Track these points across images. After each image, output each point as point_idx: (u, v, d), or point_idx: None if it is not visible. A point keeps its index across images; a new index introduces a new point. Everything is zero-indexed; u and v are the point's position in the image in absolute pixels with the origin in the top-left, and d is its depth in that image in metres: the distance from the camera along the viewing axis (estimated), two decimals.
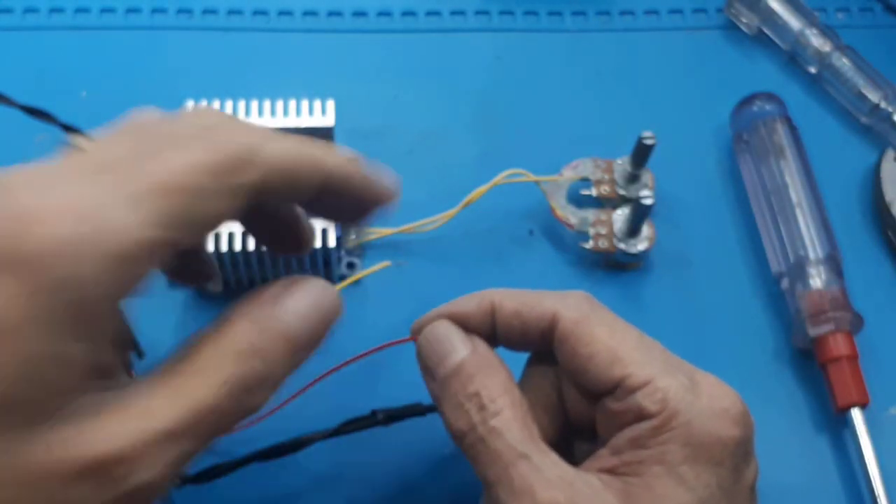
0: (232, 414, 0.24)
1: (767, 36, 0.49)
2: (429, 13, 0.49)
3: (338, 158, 0.27)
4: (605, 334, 0.29)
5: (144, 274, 0.22)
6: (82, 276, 0.20)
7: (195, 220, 0.22)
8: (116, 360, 0.23)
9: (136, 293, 0.22)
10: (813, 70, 0.48)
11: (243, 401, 0.24)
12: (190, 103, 0.40)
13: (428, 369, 0.31)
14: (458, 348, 0.30)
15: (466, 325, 0.31)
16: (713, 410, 0.28)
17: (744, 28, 0.49)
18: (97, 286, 0.20)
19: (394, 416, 0.35)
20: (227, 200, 0.23)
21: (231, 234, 0.37)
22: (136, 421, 0.22)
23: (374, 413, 0.35)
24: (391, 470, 0.37)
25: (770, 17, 0.49)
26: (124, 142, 0.24)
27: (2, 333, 0.19)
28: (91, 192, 0.21)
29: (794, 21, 0.48)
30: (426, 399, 0.35)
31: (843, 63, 0.47)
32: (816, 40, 0.48)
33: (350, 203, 0.28)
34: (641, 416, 0.28)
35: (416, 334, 0.32)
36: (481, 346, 0.30)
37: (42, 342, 0.20)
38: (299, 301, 0.26)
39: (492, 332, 0.31)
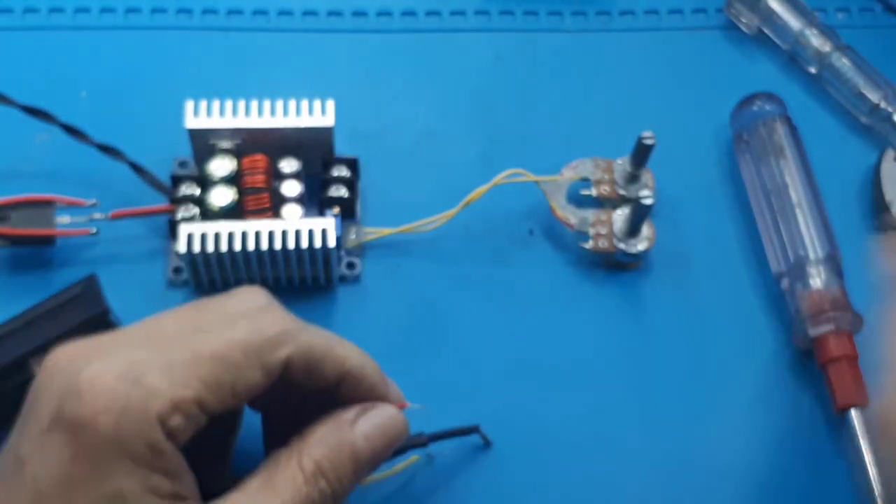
0: None
1: (767, 36, 0.49)
2: (429, 13, 0.49)
3: (357, 360, 0.30)
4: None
5: (180, 425, 0.25)
6: (122, 431, 0.25)
7: (225, 387, 0.26)
8: (184, 487, 0.26)
9: (178, 439, 0.26)
10: (813, 70, 0.48)
11: None
12: (189, 103, 0.40)
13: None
14: None
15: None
16: None
17: (744, 28, 0.49)
18: (137, 437, 0.25)
19: (396, 449, 0.34)
20: (258, 374, 0.27)
21: (231, 234, 0.37)
22: None
23: None
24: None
25: (770, 16, 0.49)
26: (183, 320, 0.28)
27: (54, 485, 0.25)
28: (136, 360, 0.26)
29: (793, 21, 0.48)
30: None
31: (843, 63, 0.47)
32: (816, 40, 0.48)
33: (362, 400, 0.30)
34: None
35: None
36: None
37: (98, 486, 0.25)
38: (370, 426, 0.29)
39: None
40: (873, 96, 0.46)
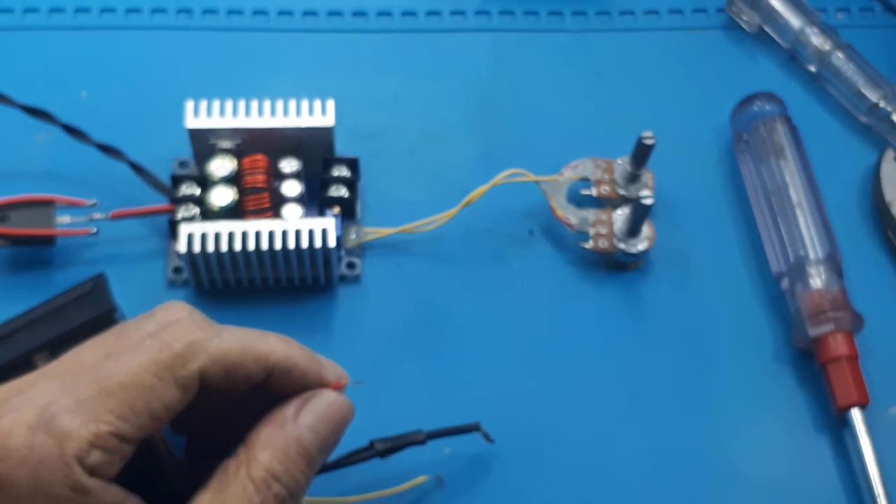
0: None
1: (767, 35, 0.49)
2: (429, 13, 0.49)
3: (282, 352, 0.29)
4: None
5: (101, 460, 0.25)
6: (41, 481, 0.24)
7: (140, 412, 0.26)
8: None
9: (106, 472, 0.25)
10: (813, 69, 0.48)
11: None
12: (189, 103, 0.40)
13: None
14: None
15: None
16: None
17: (745, 26, 0.49)
18: (58, 483, 0.25)
19: (393, 447, 0.34)
20: (173, 391, 0.27)
21: (231, 234, 0.37)
22: None
23: (372, 444, 0.34)
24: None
25: (771, 15, 0.49)
26: (99, 349, 0.28)
27: None
28: (46, 404, 0.25)
29: (794, 19, 0.48)
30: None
31: (843, 62, 0.47)
32: (817, 39, 0.48)
33: (297, 389, 0.29)
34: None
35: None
36: None
37: None
38: (313, 417, 0.28)
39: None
40: (873, 95, 0.46)
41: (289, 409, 0.28)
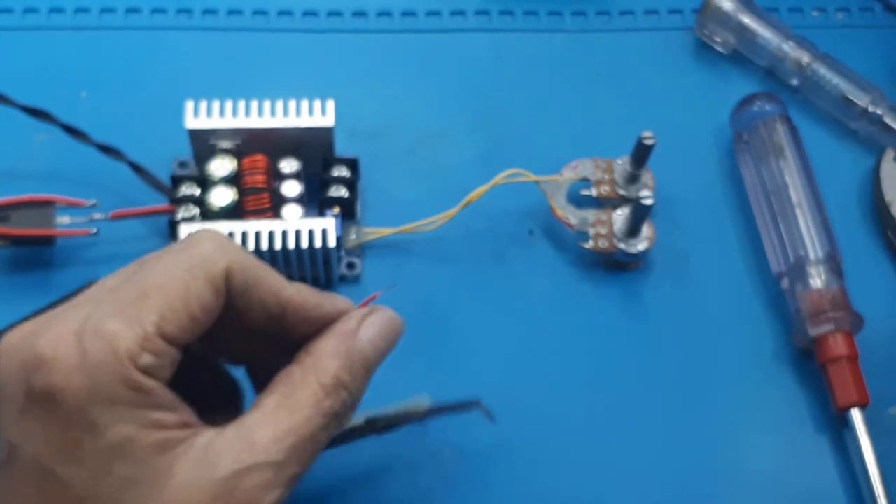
0: (327, 436, 0.28)
1: (749, 44, 0.49)
2: (429, 13, 0.49)
3: (291, 287, 0.30)
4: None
5: (152, 362, 0.25)
6: (100, 383, 0.24)
7: (180, 311, 0.26)
8: (187, 416, 0.26)
9: (158, 376, 0.26)
10: (794, 82, 0.48)
11: (334, 426, 0.28)
12: (189, 104, 0.40)
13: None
14: None
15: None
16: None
17: (718, 48, 0.49)
18: (117, 384, 0.25)
19: (390, 424, 0.34)
20: (207, 290, 0.27)
21: (231, 234, 0.37)
22: (251, 455, 0.26)
23: (369, 422, 0.34)
24: (387, 478, 0.37)
25: (744, 35, 0.48)
26: (127, 268, 0.28)
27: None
28: (88, 313, 0.25)
29: (770, 36, 0.48)
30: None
31: (826, 72, 0.47)
32: (794, 52, 0.47)
33: (310, 325, 0.30)
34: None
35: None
36: None
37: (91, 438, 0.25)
38: (374, 331, 0.30)
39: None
40: (861, 101, 0.46)
41: (350, 324, 0.30)
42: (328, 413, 0.28)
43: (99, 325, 0.25)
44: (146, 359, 0.25)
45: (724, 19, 0.48)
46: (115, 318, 0.25)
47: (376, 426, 0.34)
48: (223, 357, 0.33)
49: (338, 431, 0.29)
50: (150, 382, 0.25)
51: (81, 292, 0.33)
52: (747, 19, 0.48)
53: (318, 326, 0.30)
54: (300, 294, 0.30)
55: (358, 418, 0.34)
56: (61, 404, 0.24)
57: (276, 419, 0.27)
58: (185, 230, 0.37)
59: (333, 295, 0.31)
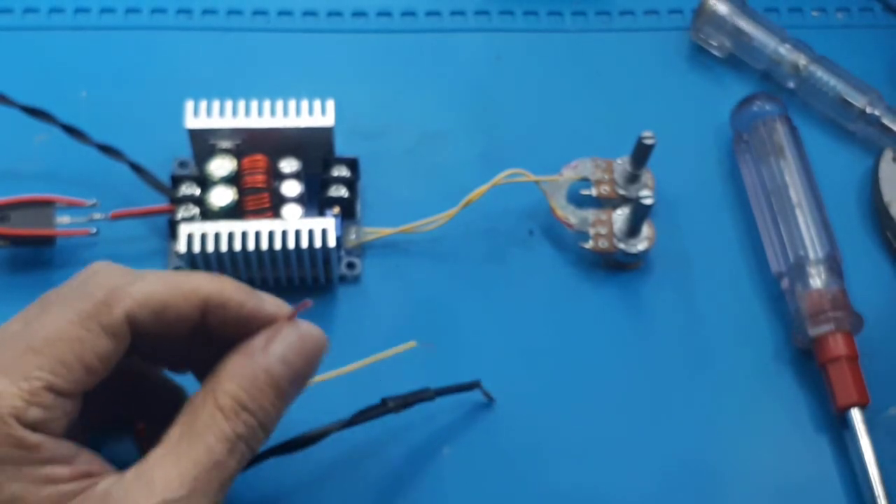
0: (235, 463, 0.27)
1: (745, 47, 0.49)
2: (429, 13, 0.49)
3: (212, 286, 0.28)
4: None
5: (42, 415, 0.25)
6: None
7: (72, 364, 0.26)
8: (85, 465, 0.26)
9: (52, 427, 0.25)
10: (791, 85, 0.48)
11: (242, 450, 0.27)
12: (189, 103, 0.40)
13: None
14: None
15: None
16: None
17: (714, 52, 0.49)
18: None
19: (404, 403, 0.35)
20: (104, 340, 0.26)
21: (231, 234, 0.37)
22: (150, 496, 0.25)
23: (384, 401, 0.35)
24: (402, 457, 0.37)
25: (739, 39, 0.48)
26: (19, 317, 0.27)
27: None
28: None
29: (766, 39, 0.48)
30: (433, 384, 0.35)
31: (823, 74, 0.47)
32: (791, 55, 0.47)
33: (238, 327, 0.29)
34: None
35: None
36: None
37: None
38: (284, 347, 0.28)
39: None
40: (859, 102, 0.46)
41: (258, 340, 0.28)
42: (230, 438, 0.26)
43: None
44: (34, 413, 0.25)
45: (720, 23, 0.48)
46: (1, 375, 0.25)
47: (390, 405, 0.34)
48: (162, 367, 0.32)
49: (250, 457, 0.27)
50: (35, 438, 0.25)
51: None
52: (743, 23, 0.48)
53: (246, 328, 0.29)
54: (220, 293, 0.28)
55: None
56: None
57: (178, 452, 0.26)
58: (184, 230, 0.37)
59: (262, 296, 0.29)
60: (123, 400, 0.31)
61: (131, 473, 0.26)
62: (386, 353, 0.35)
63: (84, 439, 0.27)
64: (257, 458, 0.33)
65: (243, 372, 0.27)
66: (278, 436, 0.32)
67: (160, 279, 0.28)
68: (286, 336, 0.28)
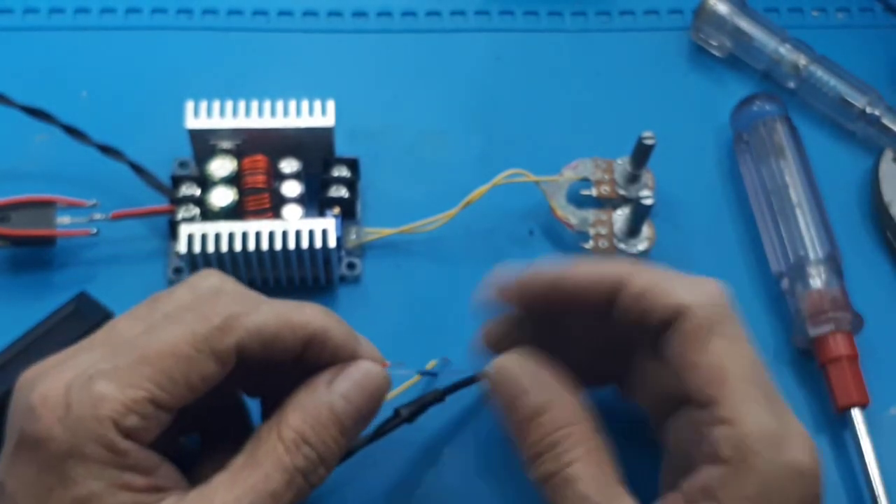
0: (292, 495, 0.27)
1: (744, 47, 0.49)
2: (429, 13, 0.49)
3: (320, 323, 0.29)
4: (721, 348, 0.29)
5: (138, 424, 0.26)
6: (78, 439, 0.25)
7: (178, 382, 0.27)
8: (160, 479, 0.27)
9: (142, 437, 0.26)
10: (791, 85, 0.48)
11: (300, 483, 0.27)
12: (189, 104, 0.40)
13: (503, 405, 0.31)
14: (533, 394, 0.30)
15: (577, 298, 0.31)
16: (790, 470, 0.27)
17: (714, 52, 0.49)
18: (93, 442, 0.25)
19: (417, 410, 0.35)
20: (211, 364, 0.27)
21: (231, 235, 0.37)
22: None
23: (397, 412, 0.35)
24: (402, 457, 0.37)
25: (740, 39, 0.48)
26: (136, 319, 0.29)
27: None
28: (85, 369, 0.26)
29: (766, 39, 0.48)
30: (427, 426, 0.36)
31: (823, 74, 0.47)
32: (791, 55, 0.47)
33: (331, 362, 0.30)
34: (714, 457, 0.27)
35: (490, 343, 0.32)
36: (558, 392, 0.31)
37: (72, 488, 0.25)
38: (349, 385, 0.29)
39: (606, 310, 0.31)
40: (859, 102, 0.46)
41: (323, 376, 0.29)
42: (289, 469, 0.27)
43: (90, 382, 0.26)
44: (131, 421, 0.26)
45: (720, 23, 0.48)
46: (109, 378, 0.26)
47: (403, 414, 0.35)
48: (242, 388, 0.33)
49: (309, 491, 0.28)
50: (126, 444, 0.26)
51: (30, 336, 0.33)
52: (743, 23, 0.48)
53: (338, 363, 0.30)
54: (325, 331, 0.29)
55: None
56: (42, 452, 0.25)
57: (238, 478, 0.27)
58: (185, 230, 0.37)
59: (360, 339, 0.31)
60: (203, 414, 0.32)
61: (193, 494, 0.27)
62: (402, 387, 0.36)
63: (170, 451, 0.28)
64: None
65: (308, 406, 0.28)
66: None
67: (274, 310, 0.29)
68: (350, 374, 0.29)
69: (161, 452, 0.27)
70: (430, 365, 0.37)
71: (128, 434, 0.26)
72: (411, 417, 0.35)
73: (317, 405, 0.28)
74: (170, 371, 0.26)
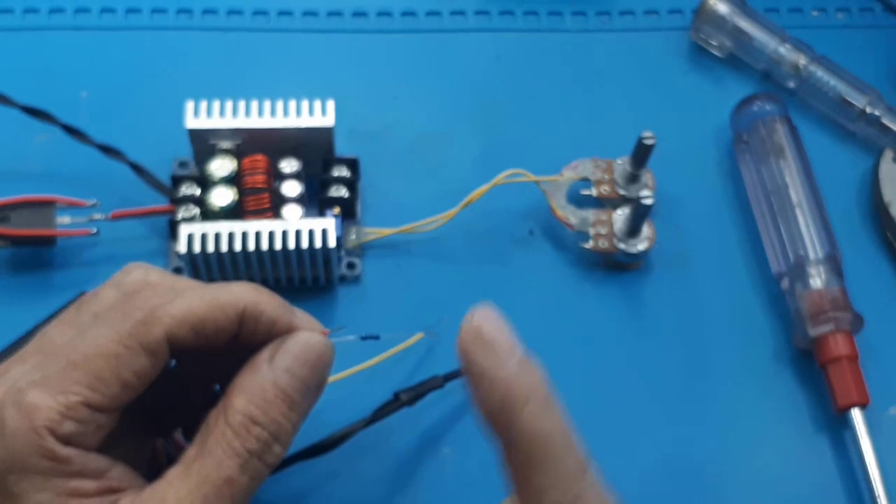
0: (248, 479, 0.27)
1: (745, 47, 0.49)
2: (429, 13, 0.49)
3: (250, 297, 0.28)
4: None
5: (76, 429, 0.25)
6: (15, 452, 0.25)
7: (110, 381, 0.26)
8: (113, 481, 0.26)
9: (86, 441, 0.26)
10: (791, 85, 0.48)
11: (256, 465, 0.27)
12: (189, 104, 0.40)
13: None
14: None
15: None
16: None
17: (714, 51, 0.49)
18: (31, 453, 0.25)
19: (416, 395, 0.35)
20: (143, 358, 0.27)
21: (231, 235, 0.37)
22: None
23: (397, 395, 0.35)
24: (402, 457, 0.37)
25: (740, 39, 0.48)
26: (65, 325, 0.28)
27: None
28: (14, 382, 0.26)
29: (766, 39, 0.48)
30: (440, 371, 0.36)
31: (823, 74, 0.47)
32: (791, 55, 0.47)
33: (268, 338, 0.29)
34: None
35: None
36: None
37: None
38: (291, 359, 0.28)
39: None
40: (859, 102, 0.46)
41: (263, 354, 0.28)
42: (241, 453, 0.26)
43: (19, 394, 0.25)
44: (68, 427, 0.25)
45: (720, 23, 0.48)
46: (39, 387, 0.26)
47: (402, 399, 0.35)
48: (207, 379, 0.32)
49: (267, 471, 0.27)
50: (67, 451, 0.25)
51: (30, 337, 0.33)
52: (743, 23, 0.48)
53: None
54: (256, 305, 0.28)
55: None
56: None
57: (191, 470, 0.26)
58: (185, 230, 0.37)
59: (295, 311, 0.30)
60: (174, 411, 0.31)
61: (147, 492, 0.26)
62: (398, 348, 0.36)
63: (126, 451, 0.28)
64: (282, 465, 0.33)
65: (252, 387, 0.27)
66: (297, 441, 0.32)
67: (198, 294, 0.28)
68: (290, 347, 0.28)
69: (131, 455, 0.27)
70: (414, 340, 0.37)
71: (67, 440, 0.25)
72: (411, 402, 0.35)
73: (261, 384, 0.27)
74: (100, 372, 0.26)
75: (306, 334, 0.29)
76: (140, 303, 0.27)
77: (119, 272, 0.30)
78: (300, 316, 0.30)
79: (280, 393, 0.27)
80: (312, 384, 0.28)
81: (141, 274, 0.29)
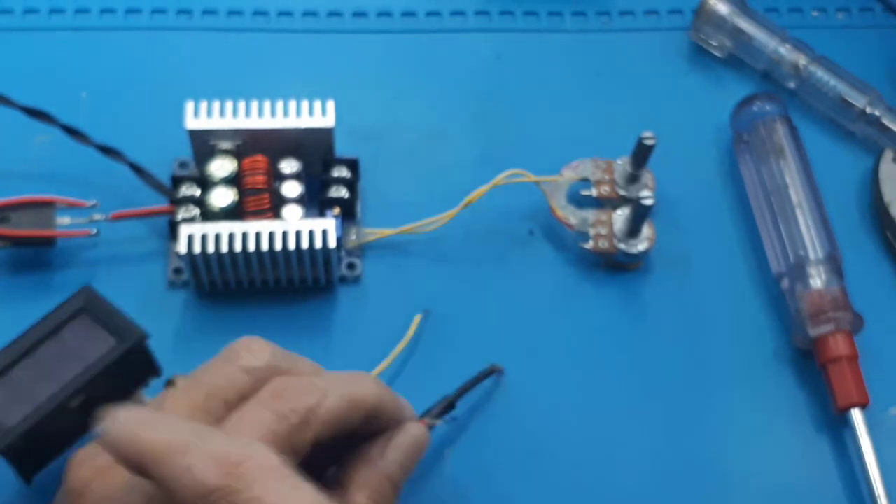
0: None
1: (745, 47, 0.49)
2: (429, 13, 0.49)
3: (374, 397, 0.30)
4: None
5: None
6: None
7: None
8: None
9: None
10: (791, 85, 0.48)
11: None
12: (189, 104, 0.40)
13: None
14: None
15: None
16: None
17: (714, 52, 0.49)
18: None
19: (433, 421, 0.35)
20: (290, 458, 0.27)
21: (231, 235, 0.37)
22: None
23: (447, 399, 0.36)
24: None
25: (740, 38, 0.48)
26: (190, 409, 0.28)
27: None
28: None
29: (766, 39, 0.48)
30: (435, 385, 0.36)
31: (823, 74, 0.47)
32: (791, 55, 0.47)
33: (382, 429, 0.31)
34: None
35: None
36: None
37: None
38: (401, 454, 0.31)
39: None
40: (859, 102, 0.46)
41: (376, 449, 0.31)
42: None
43: None
44: None
45: (720, 23, 0.48)
46: None
47: (452, 401, 0.36)
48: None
49: None
50: None
51: (30, 336, 0.32)
52: (743, 23, 0.48)
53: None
54: (381, 405, 0.30)
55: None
56: None
57: None
58: (185, 231, 0.37)
59: (402, 403, 0.32)
60: None
61: None
62: (405, 340, 0.37)
63: None
64: None
65: (370, 482, 0.30)
66: None
67: (337, 391, 0.29)
68: (400, 441, 0.31)
69: None
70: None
71: None
72: (452, 407, 0.36)
73: (378, 478, 0.30)
74: None
75: (413, 429, 0.31)
76: (292, 402, 0.28)
77: (241, 347, 0.30)
78: (404, 408, 0.32)
79: (392, 486, 0.30)
80: (413, 470, 0.31)
81: (268, 355, 0.30)
